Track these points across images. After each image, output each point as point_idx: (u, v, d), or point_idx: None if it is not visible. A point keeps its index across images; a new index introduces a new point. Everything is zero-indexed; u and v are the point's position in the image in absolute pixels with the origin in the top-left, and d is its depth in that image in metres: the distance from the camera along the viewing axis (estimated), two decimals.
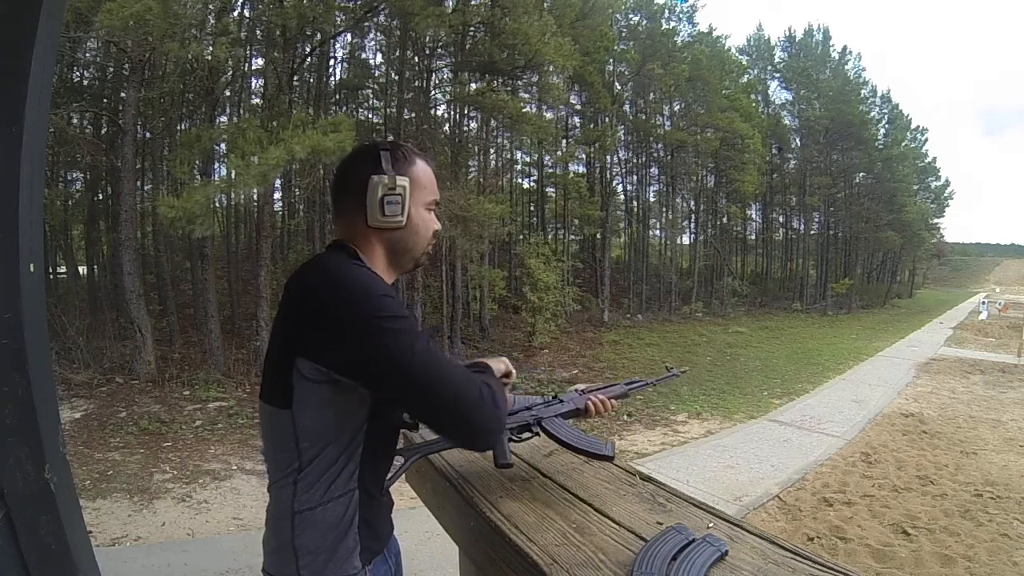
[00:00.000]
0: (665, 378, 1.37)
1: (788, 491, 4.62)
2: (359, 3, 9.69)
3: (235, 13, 9.55)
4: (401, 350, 0.78)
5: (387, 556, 1.00)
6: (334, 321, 0.80)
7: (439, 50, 11.72)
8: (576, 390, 1.24)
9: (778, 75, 22.56)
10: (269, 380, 0.88)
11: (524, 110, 11.77)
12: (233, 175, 7.04)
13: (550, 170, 17.35)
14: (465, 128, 13.56)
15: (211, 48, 7.62)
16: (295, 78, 9.84)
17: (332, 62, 12.52)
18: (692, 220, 19.88)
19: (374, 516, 0.94)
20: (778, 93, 22.58)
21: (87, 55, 9.65)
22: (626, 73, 16.81)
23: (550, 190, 18.29)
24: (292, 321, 0.84)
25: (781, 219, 24.21)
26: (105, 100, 9.76)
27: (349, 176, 0.95)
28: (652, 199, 19.35)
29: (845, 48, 23.49)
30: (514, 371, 1.08)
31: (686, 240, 20.51)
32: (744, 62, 21.77)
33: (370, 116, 13.83)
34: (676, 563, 0.80)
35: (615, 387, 1.26)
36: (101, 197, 10.62)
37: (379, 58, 13.38)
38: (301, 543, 0.86)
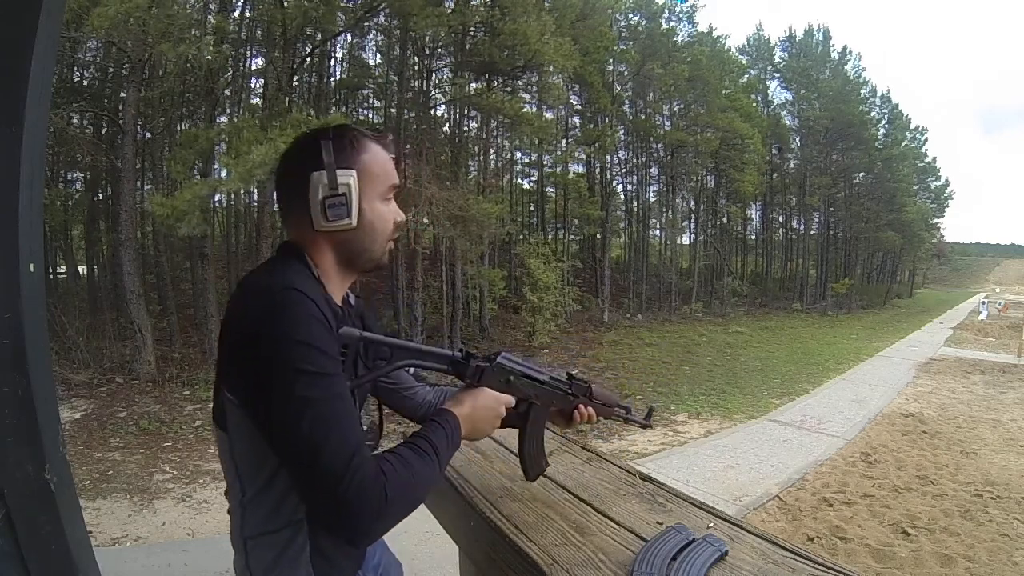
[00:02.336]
0: (635, 420, 1.21)
1: (788, 491, 4.62)
2: (359, 3, 9.69)
3: (235, 13, 9.56)
4: (294, 409, 0.69)
5: None
6: (246, 358, 0.73)
7: (439, 50, 11.72)
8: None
9: (778, 75, 22.57)
10: (215, 398, 0.83)
11: (524, 110, 11.77)
12: (226, 174, 7.07)
13: (550, 170, 17.35)
14: (465, 128, 13.56)
15: (208, 48, 7.63)
16: (295, 78, 9.84)
17: (332, 62, 12.54)
18: (692, 220, 19.88)
19: (332, 548, 0.85)
20: (778, 93, 22.62)
21: (87, 55, 9.65)
22: (626, 73, 16.80)
23: (550, 190, 18.28)
24: (222, 343, 0.78)
25: (781, 219, 24.22)
26: (105, 100, 9.75)
27: (288, 172, 0.84)
28: (652, 199, 19.36)
29: (845, 48, 23.50)
30: (511, 401, 0.95)
31: (686, 240, 20.52)
32: (744, 62, 21.77)
33: (370, 116, 13.83)
34: (676, 563, 0.80)
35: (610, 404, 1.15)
36: (101, 197, 10.61)
37: (378, 58, 13.41)
38: (255, 565, 0.83)
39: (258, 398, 0.73)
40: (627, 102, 17.44)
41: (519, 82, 12.42)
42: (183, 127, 9.80)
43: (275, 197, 0.90)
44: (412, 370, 1.08)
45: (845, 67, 22.93)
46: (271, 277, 0.77)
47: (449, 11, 9.62)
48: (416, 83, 11.79)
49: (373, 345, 0.86)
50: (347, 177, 0.81)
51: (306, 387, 0.70)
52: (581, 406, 1.09)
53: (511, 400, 0.96)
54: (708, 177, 20.55)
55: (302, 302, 0.73)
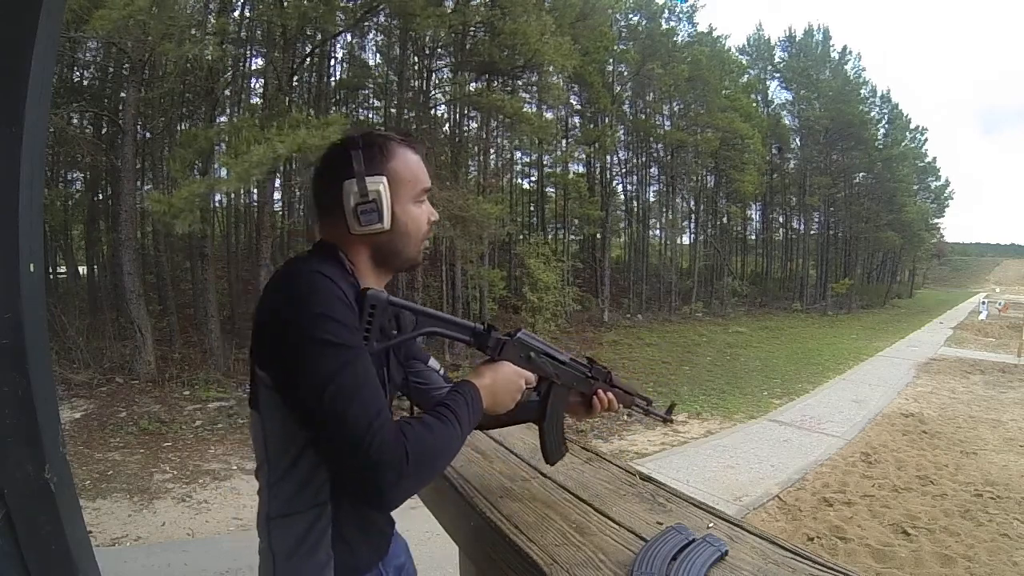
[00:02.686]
0: (656, 414, 1.20)
1: (788, 491, 4.63)
2: (359, 3, 9.70)
3: (235, 13, 9.57)
4: (317, 378, 0.73)
5: (382, 571, 0.96)
6: (274, 336, 0.77)
7: (439, 50, 11.72)
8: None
9: (778, 75, 22.57)
10: (250, 380, 0.87)
11: (524, 110, 11.78)
12: (225, 173, 7.08)
13: (550, 170, 17.36)
14: (465, 128, 13.56)
15: (208, 49, 7.64)
16: (295, 78, 9.85)
17: (332, 62, 12.54)
18: (692, 220, 19.90)
19: (354, 534, 0.88)
20: (778, 93, 22.64)
21: (87, 55, 9.65)
22: (626, 73, 16.81)
23: (550, 190, 18.28)
24: (255, 325, 0.82)
25: (781, 219, 24.22)
26: (105, 100, 9.76)
27: (323, 181, 0.89)
28: (652, 199, 19.38)
29: (845, 48, 23.50)
30: (532, 378, 0.96)
31: (686, 240, 20.53)
32: (744, 62, 21.79)
33: (370, 116, 13.83)
34: (676, 563, 0.80)
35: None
36: (101, 197, 10.61)
37: (378, 58, 13.41)
38: (277, 547, 0.85)
39: (286, 375, 0.77)
40: (627, 102, 17.46)
41: (519, 82, 12.43)
42: (183, 127, 9.81)
43: (312, 202, 0.94)
44: (442, 371, 1.10)
45: (845, 67, 22.95)
46: (301, 264, 0.82)
47: (449, 11, 9.63)
48: (416, 83, 11.80)
49: (401, 316, 0.91)
50: (377, 184, 0.84)
51: (329, 358, 0.74)
52: (601, 391, 1.07)
53: (532, 377, 0.96)
54: (708, 177, 20.56)
55: (326, 284, 0.77)
